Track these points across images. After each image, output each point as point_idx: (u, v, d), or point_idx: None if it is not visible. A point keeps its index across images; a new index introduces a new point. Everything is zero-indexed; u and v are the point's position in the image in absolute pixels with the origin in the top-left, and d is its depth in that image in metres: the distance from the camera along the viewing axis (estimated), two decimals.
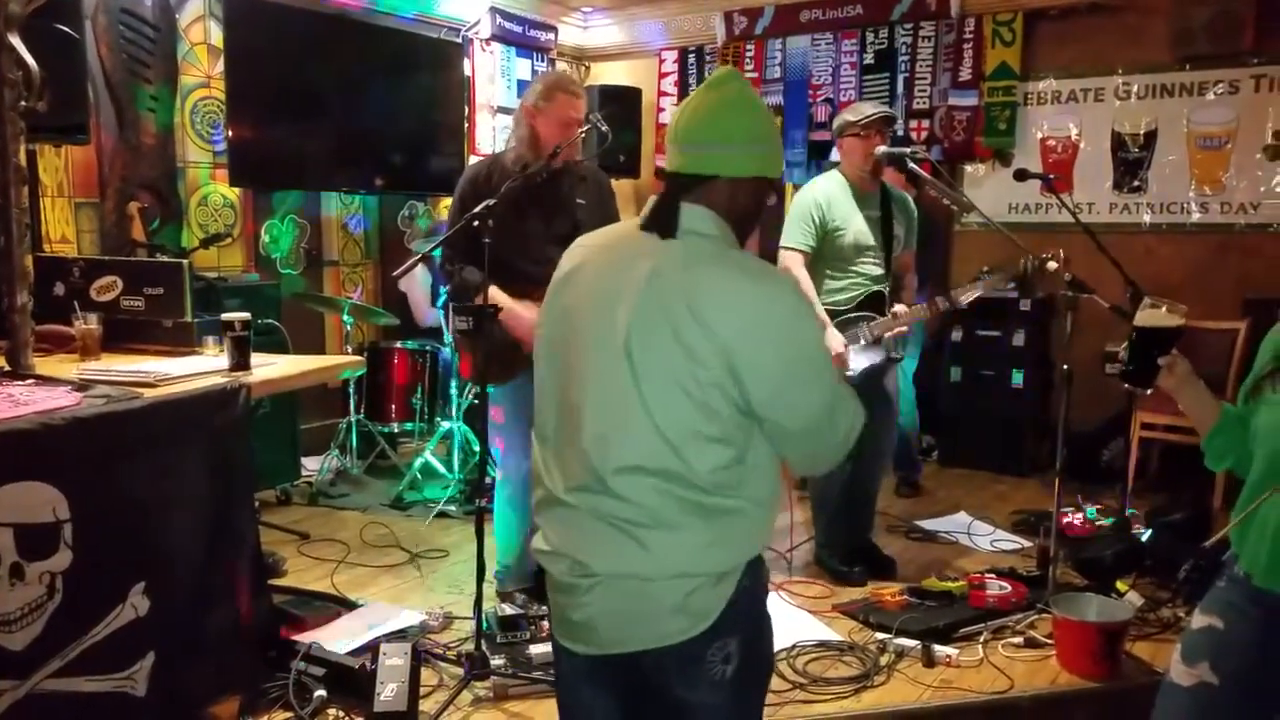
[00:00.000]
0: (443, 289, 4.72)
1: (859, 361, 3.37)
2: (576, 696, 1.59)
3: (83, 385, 2.21)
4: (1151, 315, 1.83)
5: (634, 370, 1.42)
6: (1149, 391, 1.84)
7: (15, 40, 2.28)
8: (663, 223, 1.48)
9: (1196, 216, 4.98)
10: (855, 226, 3.39)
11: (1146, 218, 5.09)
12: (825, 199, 3.41)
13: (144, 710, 2.09)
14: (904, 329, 3.42)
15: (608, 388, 1.45)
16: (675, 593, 1.43)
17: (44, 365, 2.46)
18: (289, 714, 2.47)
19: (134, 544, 2.09)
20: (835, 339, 3.28)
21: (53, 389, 2.15)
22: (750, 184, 1.52)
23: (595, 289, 1.51)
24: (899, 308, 3.39)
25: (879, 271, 3.42)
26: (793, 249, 3.40)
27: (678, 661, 1.45)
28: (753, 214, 1.55)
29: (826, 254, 3.40)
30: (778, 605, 3.29)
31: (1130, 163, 5.12)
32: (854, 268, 3.40)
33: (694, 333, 1.38)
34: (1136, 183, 5.11)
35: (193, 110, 4.54)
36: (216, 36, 4.54)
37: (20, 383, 2.23)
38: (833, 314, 3.38)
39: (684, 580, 1.43)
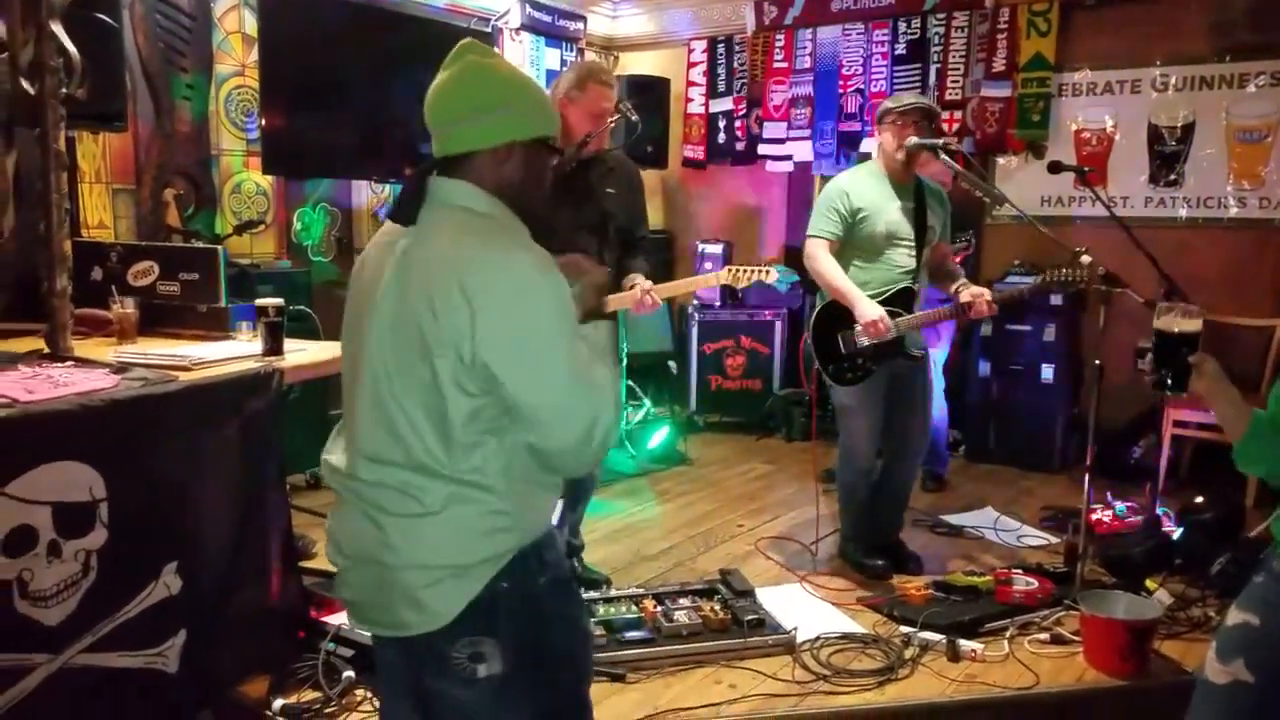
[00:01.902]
0: None
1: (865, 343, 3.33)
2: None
3: (120, 368, 2.24)
4: (1167, 321, 1.82)
5: (383, 354, 1.43)
6: (1184, 395, 1.83)
7: (57, 29, 2.32)
8: (404, 211, 1.45)
9: (1234, 211, 4.89)
10: (887, 216, 3.36)
11: (1182, 212, 5.01)
12: (852, 187, 3.39)
13: (174, 686, 2.13)
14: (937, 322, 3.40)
15: (361, 373, 1.46)
16: (414, 584, 1.43)
17: (82, 348, 2.51)
18: (317, 694, 2.51)
19: (167, 524, 2.12)
20: (872, 309, 3.25)
21: (91, 371, 2.19)
22: (505, 151, 1.46)
23: (366, 280, 1.50)
24: (965, 294, 3.31)
25: (910, 263, 3.39)
26: (817, 236, 3.39)
27: (423, 653, 1.46)
28: (527, 181, 1.49)
29: (856, 242, 3.38)
30: (802, 597, 3.29)
31: (1167, 156, 5.04)
32: (884, 257, 3.37)
33: (431, 308, 1.36)
34: (1173, 176, 5.03)
35: (227, 99, 4.59)
36: (251, 26, 4.58)
37: (59, 365, 2.27)
38: None
39: (423, 572, 1.43)
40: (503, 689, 1.45)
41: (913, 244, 3.38)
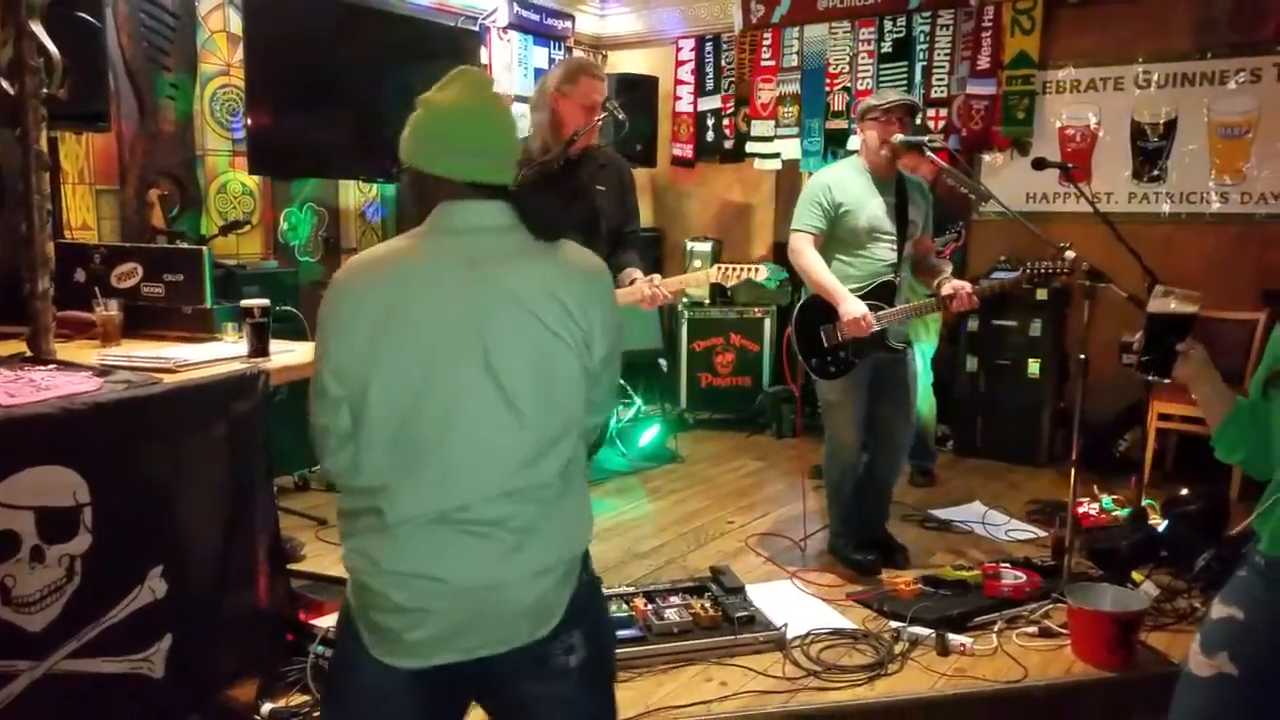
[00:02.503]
0: None
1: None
2: None
3: (103, 371, 2.23)
4: (1163, 303, 1.82)
5: (538, 376, 1.47)
6: (1167, 380, 1.83)
7: (37, 28, 2.30)
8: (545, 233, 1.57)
9: (1216, 206, 4.93)
10: (869, 210, 3.37)
11: (1165, 207, 5.04)
12: (834, 181, 3.41)
13: (161, 691, 2.12)
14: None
15: (492, 406, 1.45)
16: (539, 589, 1.51)
17: (65, 351, 2.49)
18: (306, 697, 2.49)
19: (153, 528, 2.11)
20: (856, 306, 3.26)
21: (74, 374, 2.18)
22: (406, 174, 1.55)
23: (453, 306, 1.44)
24: (947, 288, 3.33)
25: (892, 257, 3.40)
26: (801, 230, 3.40)
27: (524, 660, 1.53)
28: (410, 201, 1.59)
29: (839, 236, 3.40)
30: (792, 593, 3.30)
31: (1150, 152, 5.07)
32: (865, 251, 3.39)
33: (576, 313, 1.51)
34: (1156, 172, 5.06)
35: (212, 98, 4.56)
36: (236, 24, 4.55)
37: (42, 368, 2.25)
38: None
39: (545, 576, 1.51)
40: (588, 673, 1.54)
41: (894, 238, 3.40)
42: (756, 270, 3.16)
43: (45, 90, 2.34)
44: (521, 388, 1.43)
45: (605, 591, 3.05)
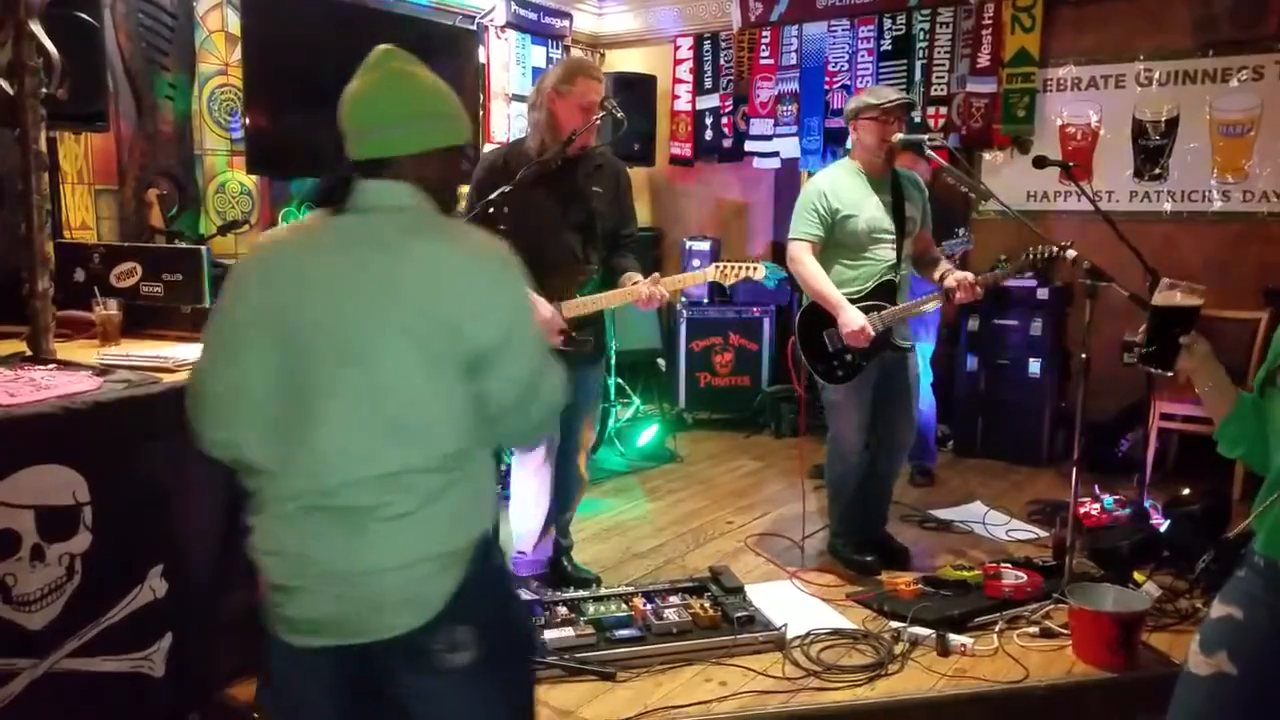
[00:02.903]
0: None
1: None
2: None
3: (103, 370, 2.23)
4: (1169, 295, 1.81)
5: (391, 359, 1.44)
6: (1170, 374, 1.82)
7: (36, 28, 2.30)
8: (332, 198, 1.51)
9: (1218, 205, 4.92)
10: (868, 212, 3.36)
11: (1167, 206, 5.04)
12: (830, 186, 3.39)
13: (161, 690, 2.12)
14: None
15: (338, 383, 1.44)
16: (406, 580, 1.46)
17: (65, 350, 2.49)
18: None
19: (153, 526, 2.11)
20: (856, 317, 3.26)
21: (73, 374, 2.18)
22: (426, 157, 1.53)
23: (313, 288, 1.46)
24: (950, 280, 3.33)
25: (892, 256, 3.39)
26: (799, 239, 3.39)
27: (400, 653, 1.48)
28: (447, 182, 1.59)
29: (839, 241, 3.38)
30: (792, 593, 3.30)
31: (1151, 150, 5.06)
32: (868, 254, 3.38)
33: (452, 306, 1.43)
34: (1157, 170, 5.06)
35: (210, 98, 4.56)
36: (234, 24, 4.55)
37: (42, 367, 2.25)
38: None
39: (416, 567, 1.47)
40: (477, 673, 1.48)
41: (894, 237, 3.39)
42: (755, 269, 3.15)
43: (44, 90, 2.34)
44: (390, 374, 1.43)
45: (604, 591, 3.10)
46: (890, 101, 3.33)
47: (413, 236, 1.47)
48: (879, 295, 3.35)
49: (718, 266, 3.18)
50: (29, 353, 2.38)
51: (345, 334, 1.43)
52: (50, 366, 2.27)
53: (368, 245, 1.46)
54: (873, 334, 3.26)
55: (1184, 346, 1.77)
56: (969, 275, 3.32)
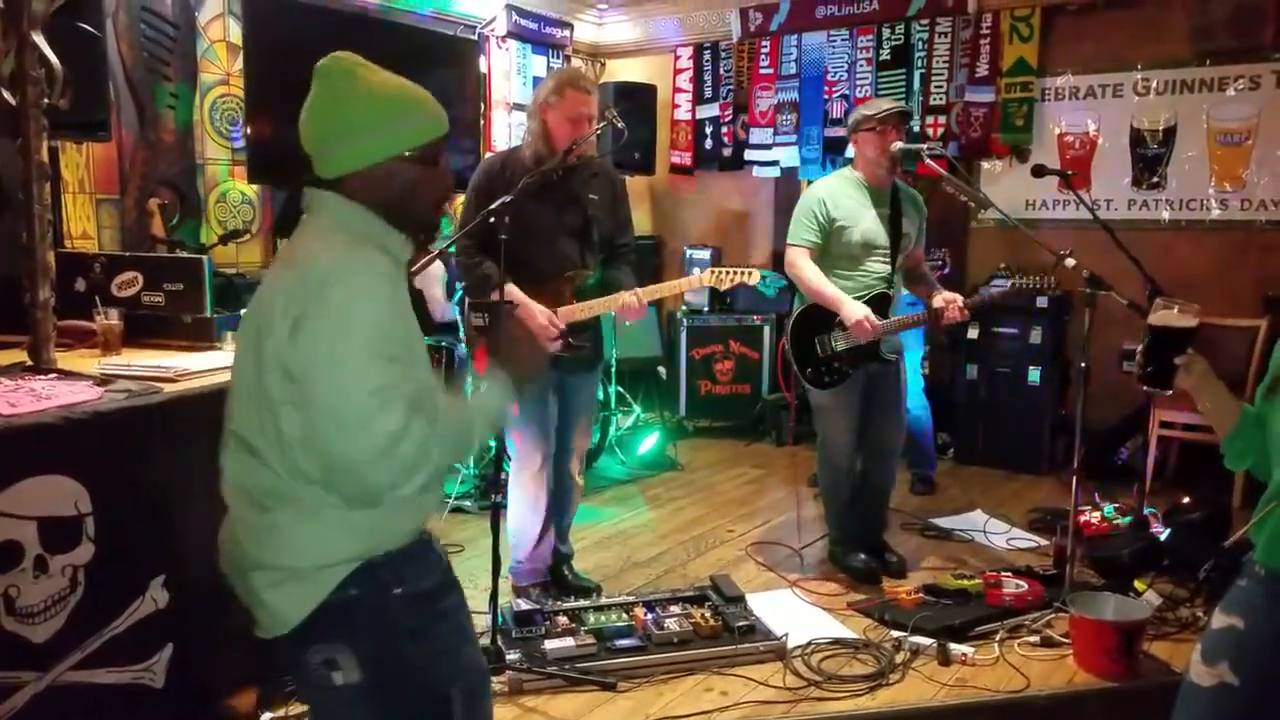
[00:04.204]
0: (458, 284, 4.73)
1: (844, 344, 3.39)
2: None
3: (104, 380, 2.23)
4: (1165, 315, 1.81)
5: (240, 367, 1.52)
6: (1169, 393, 1.83)
7: (38, 38, 2.31)
8: (286, 224, 1.58)
9: (1216, 213, 4.93)
10: (864, 225, 3.39)
11: (1165, 214, 5.05)
12: (829, 195, 3.42)
13: (162, 701, 2.11)
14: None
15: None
16: (259, 584, 1.49)
17: (65, 360, 2.48)
18: (305, 707, 2.48)
19: (154, 537, 2.11)
20: (858, 309, 3.28)
21: (74, 384, 2.17)
22: (382, 169, 1.49)
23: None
24: (938, 300, 3.36)
25: (886, 270, 3.42)
26: (797, 245, 3.42)
27: (284, 657, 1.53)
28: (404, 196, 1.51)
29: (834, 251, 3.41)
30: (792, 602, 3.29)
31: (1149, 159, 5.08)
32: (863, 266, 3.41)
33: (267, 325, 1.43)
34: (1155, 179, 5.07)
35: (212, 107, 4.57)
36: (236, 34, 4.56)
37: (43, 377, 2.25)
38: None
39: (263, 573, 1.49)
40: (358, 699, 1.47)
41: (888, 252, 3.41)
42: (750, 274, 3.15)
43: (46, 100, 2.34)
44: (238, 381, 1.51)
45: (603, 600, 3.09)
46: (884, 111, 3.36)
47: (287, 247, 1.55)
48: (873, 306, 3.38)
49: (713, 271, 3.19)
50: (30, 362, 2.37)
51: (238, 342, 1.55)
52: (51, 376, 2.27)
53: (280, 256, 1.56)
54: (877, 324, 3.28)
55: (1181, 366, 1.78)
56: (957, 298, 3.35)
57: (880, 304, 3.39)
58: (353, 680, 1.46)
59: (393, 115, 1.51)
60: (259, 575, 1.48)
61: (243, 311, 1.59)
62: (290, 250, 1.54)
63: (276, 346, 1.40)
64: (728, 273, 3.15)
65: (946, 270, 4.40)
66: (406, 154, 1.50)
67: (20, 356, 2.42)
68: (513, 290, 2.95)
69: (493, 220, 2.72)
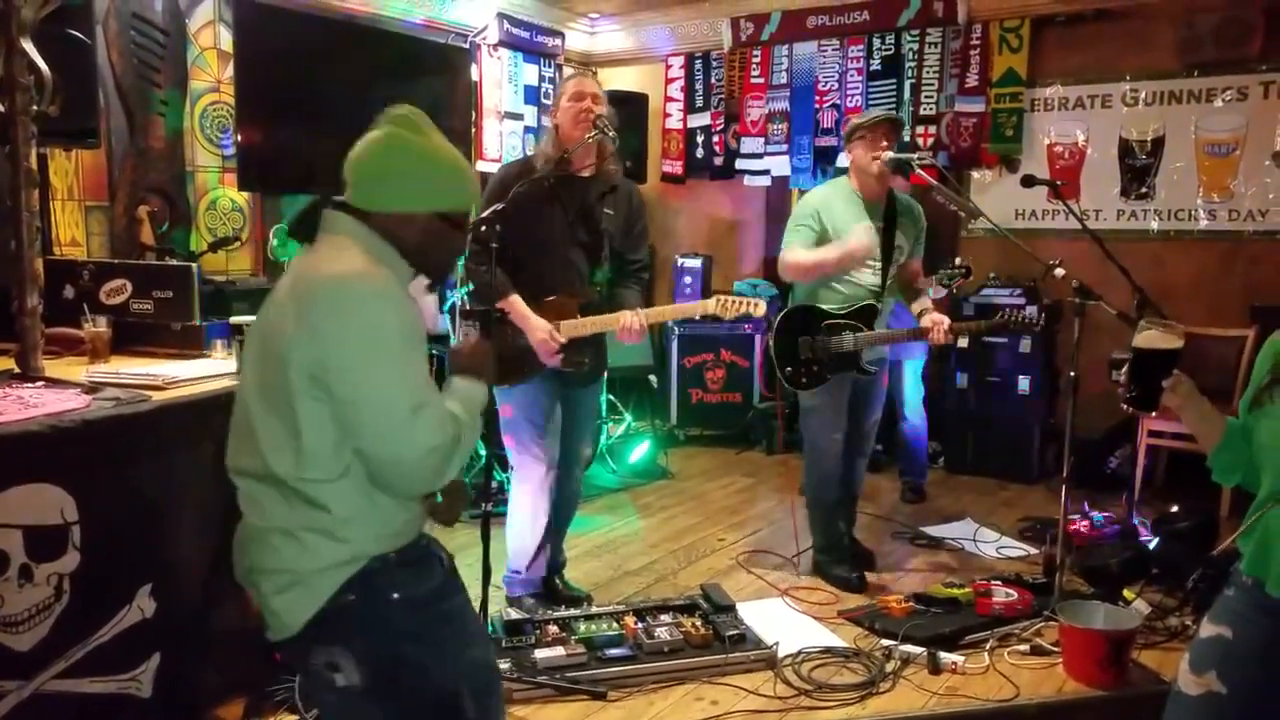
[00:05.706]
0: (449, 294, 4.73)
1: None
2: None
3: (92, 388, 2.22)
4: (1149, 337, 1.82)
5: (251, 369, 1.60)
6: (1153, 414, 1.84)
7: (27, 45, 2.30)
8: (300, 231, 1.64)
9: (1204, 224, 4.97)
10: (855, 235, 3.40)
11: (1154, 224, 5.08)
12: (822, 204, 3.45)
13: (149, 711, 2.10)
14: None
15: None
16: (266, 589, 1.57)
17: (53, 368, 2.47)
18: (294, 717, 2.47)
19: (141, 546, 2.10)
20: (857, 236, 3.31)
21: (62, 391, 2.16)
22: (417, 217, 1.61)
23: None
24: (926, 320, 3.41)
25: (876, 282, 3.44)
26: (790, 247, 3.45)
27: (291, 659, 1.68)
28: (427, 250, 1.63)
29: None
30: (783, 611, 3.29)
31: (1138, 169, 5.11)
32: (851, 276, 3.43)
33: (289, 325, 1.50)
34: (1144, 189, 5.10)
35: (202, 115, 4.56)
36: (226, 41, 4.55)
37: (30, 385, 2.24)
38: (827, 315, 3.43)
39: (267, 577, 1.56)
40: (362, 700, 1.54)
41: (879, 263, 3.43)
42: (756, 305, 3.12)
43: (36, 107, 2.33)
44: (245, 389, 1.58)
45: (593, 609, 3.08)
46: (875, 118, 3.40)
47: (299, 262, 1.60)
48: (858, 318, 3.42)
49: (718, 300, 3.14)
50: (17, 370, 2.36)
51: (249, 343, 1.64)
52: (39, 384, 2.26)
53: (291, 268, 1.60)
54: (871, 243, 3.33)
55: (1167, 389, 1.79)
56: (945, 320, 3.38)
57: (865, 315, 3.41)
58: (354, 682, 1.53)
59: (442, 177, 1.64)
60: (266, 581, 1.55)
61: (245, 320, 1.63)
62: (304, 263, 1.60)
63: (296, 351, 1.47)
64: (733, 301, 3.12)
65: (969, 278, 4.41)
66: (441, 211, 1.63)
67: (8, 364, 2.41)
68: (515, 302, 2.95)
69: (484, 228, 2.72)
